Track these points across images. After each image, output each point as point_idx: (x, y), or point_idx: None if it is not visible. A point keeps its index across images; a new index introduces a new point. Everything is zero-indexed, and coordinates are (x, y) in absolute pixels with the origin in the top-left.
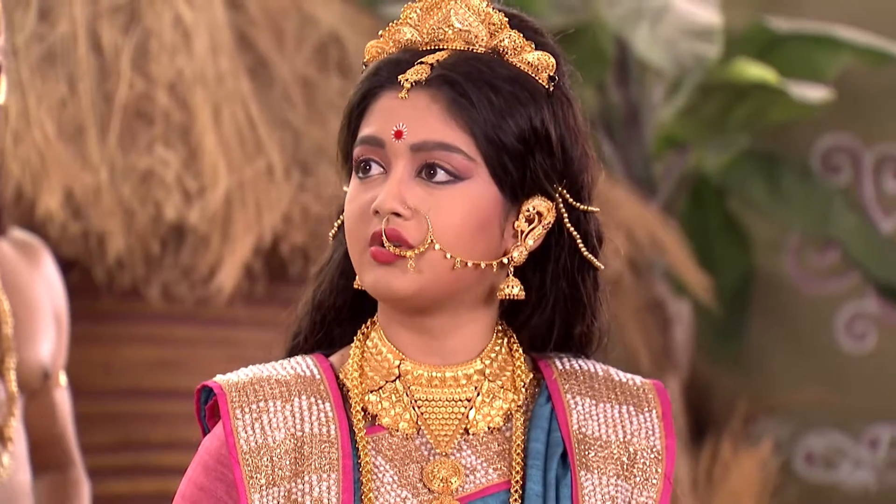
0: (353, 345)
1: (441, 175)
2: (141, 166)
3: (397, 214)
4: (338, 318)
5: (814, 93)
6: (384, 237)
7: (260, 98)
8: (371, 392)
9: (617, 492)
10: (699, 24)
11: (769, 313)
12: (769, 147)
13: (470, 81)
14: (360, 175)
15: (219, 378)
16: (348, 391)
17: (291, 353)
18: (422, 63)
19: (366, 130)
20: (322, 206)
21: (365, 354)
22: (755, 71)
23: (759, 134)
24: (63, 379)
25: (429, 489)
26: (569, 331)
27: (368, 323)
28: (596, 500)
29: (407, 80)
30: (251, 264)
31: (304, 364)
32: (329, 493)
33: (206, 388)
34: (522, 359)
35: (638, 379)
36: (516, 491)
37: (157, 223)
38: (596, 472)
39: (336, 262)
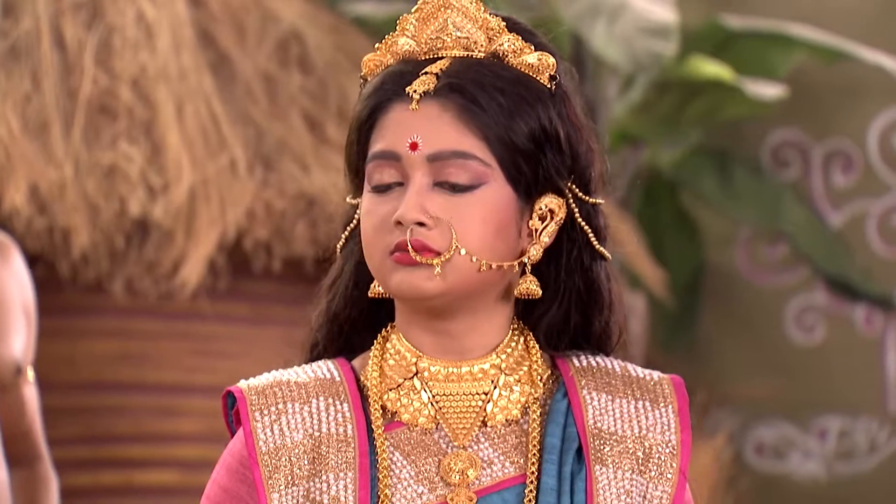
0: (373, 348)
1: (459, 183)
2: (105, 162)
3: (420, 224)
4: (355, 327)
5: (768, 90)
6: (409, 247)
7: (222, 94)
8: (390, 390)
9: (632, 486)
10: (656, 21)
11: (720, 306)
12: (721, 143)
13: (477, 87)
14: (380, 189)
15: (241, 383)
16: (367, 391)
17: (311, 362)
18: (426, 73)
19: (379, 145)
20: (285, 201)
21: (384, 356)
22: (710, 69)
23: (711, 130)
24: (31, 374)
25: (446, 482)
26: (587, 327)
27: (388, 327)
28: (611, 494)
29: (416, 91)
30: (214, 259)
31: (325, 367)
32: (346, 491)
33: (232, 392)
34: (539, 354)
35: (656, 374)
36: (531, 483)
37: (121, 218)
38: (611, 466)
39: (349, 274)
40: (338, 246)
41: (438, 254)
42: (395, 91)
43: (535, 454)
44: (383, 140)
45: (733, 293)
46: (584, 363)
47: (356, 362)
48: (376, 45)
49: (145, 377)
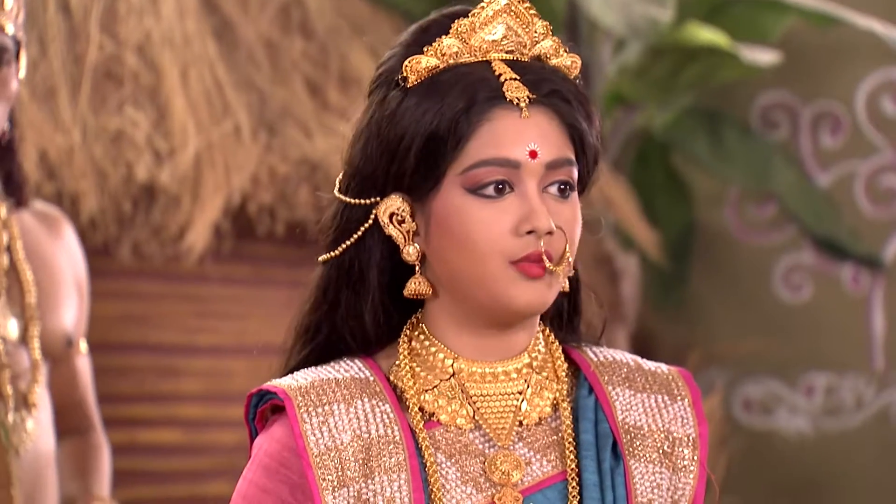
0: (399, 347)
1: (567, 190)
2: (112, 127)
3: (548, 233)
4: (378, 326)
5: (764, 56)
6: (545, 258)
7: (226, 60)
8: (426, 391)
9: (661, 479)
10: None
11: (710, 265)
12: (712, 104)
13: (571, 95)
14: (489, 195)
15: (277, 383)
16: (401, 392)
17: (328, 357)
18: (515, 80)
19: (493, 151)
20: (289, 166)
21: (413, 355)
22: (706, 35)
23: (702, 92)
24: (84, 346)
25: (491, 483)
26: (577, 317)
27: (411, 324)
28: (645, 488)
29: (522, 99)
30: (219, 223)
31: (356, 366)
32: (401, 493)
33: (261, 391)
34: (560, 350)
35: (664, 367)
36: (573, 479)
37: (128, 183)
38: (642, 460)
39: (374, 275)
40: (344, 244)
41: (559, 263)
42: (491, 97)
43: (571, 451)
44: (496, 147)
45: (722, 253)
46: (601, 357)
47: (381, 361)
48: (425, 48)
49: (149, 338)
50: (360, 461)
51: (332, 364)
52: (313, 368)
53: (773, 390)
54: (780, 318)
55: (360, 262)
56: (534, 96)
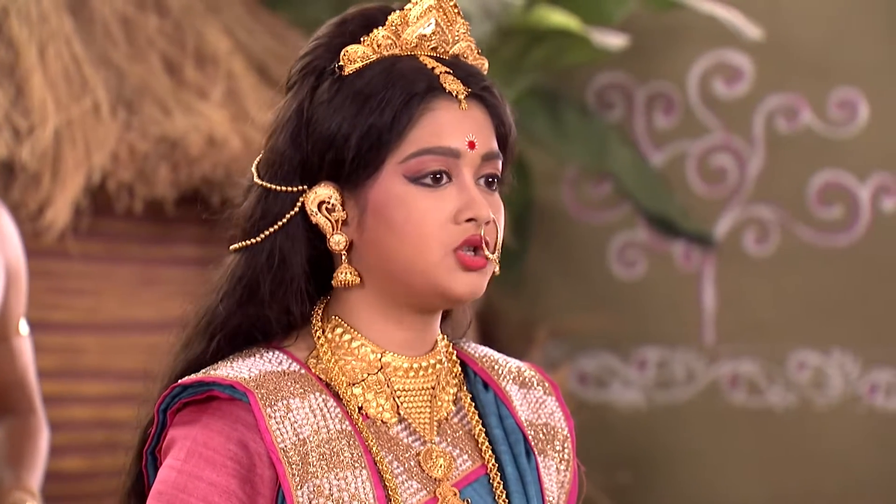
0: (315, 339)
1: (494, 183)
2: None
3: (486, 223)
4: (302, 314)
5: (613, 39)
6: (484, 244)
7: (82, 36)
8: (354, 385)
9: (555, 471)
10: None
11: (547, 242)
12: (550, 85)
13: (497, 93)
14: (429, 183)
15: (228, 374)
16: (332, 386)
17: (229, 340)
18: (449, 73)
19: (435, 140)
20: (148, 144)
21: (333, 348)
22: (557, 18)
23: (542, 73)
24: (24, 328)
25: (429, 477)
26: (448, 312)
27: (321, 316)
28: (549, 481)
29: (461, 92)
30: (78, 200)
31: (281, 358)
32: (365, 489)
33: (202, 382)
34: (450, 346)
35: (522, 364)
36: (494, 474)
37: None
38: (541, 454)
39: (297, 263)
40: (266, 232)
41: (493, 251)
42: (430, 88)
43: (487, 446)
44: (438, 136)
45: (560, 230)
46: (480, 353)
47: (298, 353)
48: (362, 39)
49: None
50: (321, 455)
51: (253, 355)
52: (240, 360)
53: (607, 364)
54: (615, 294)
55: (282, 250)
56: (469, 90)
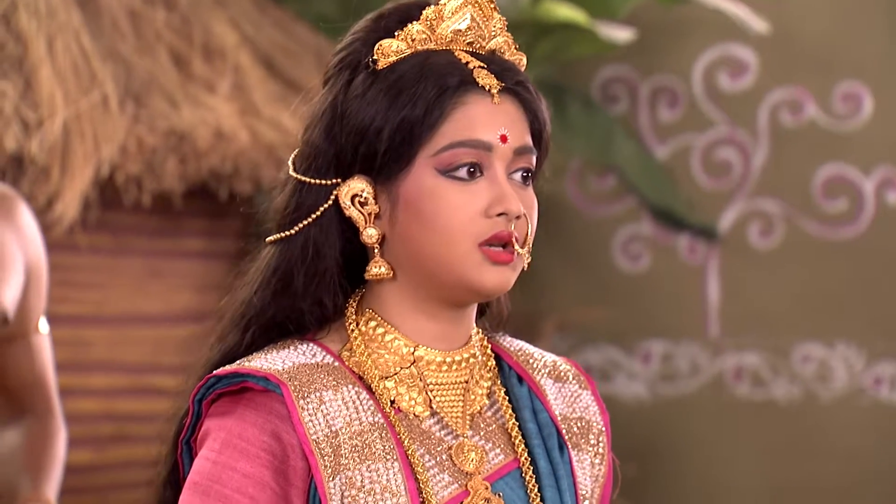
0: (348, 332)
1: (528, 177)
2: None
3: (518, 217)
4: (325, 308)
5: (620, 33)
6: (514, 240)
7: (91, 30)
8: (386, 378)
9: (589, 465)
10: None
11: (552, 235)
12: (555, 78)
13: (532, 88)
14: (461, 177)
15: (262, 366)
16: (365, 379)
17: (269, 331)
18: (483, 68)
19: (468, 134)
20: (156, 137)
21: (367, 341)
22: (564, 11)
23: (547, 66)
24: (43, 326)
25: (461, 471)
26: (485, 305)
27: (356, 310)
28: (583, 474)
29: (494, 87)
30: (87, 193)
31: (315, 350)
32: (396, 481)
33: (237, 373)
34: (485, 340)
35: (558, 358)
36: (526, 468)
37: None
38: (575, 448)
39: (332, 257)
40: (300, 225)
41: (523, 246)
42: (463, 82)
43: (520, 440)
44: (470, 130)
45: (564, 223)
46: (515, 346)
47: (331, 346)
48: (396, 33)
49: None
50: (353, 447)
51: (287, 347)
52: (274, 352)
53: (611, 357)
54: (619, 287)
55: (316, 242)
56: (502, 85)
